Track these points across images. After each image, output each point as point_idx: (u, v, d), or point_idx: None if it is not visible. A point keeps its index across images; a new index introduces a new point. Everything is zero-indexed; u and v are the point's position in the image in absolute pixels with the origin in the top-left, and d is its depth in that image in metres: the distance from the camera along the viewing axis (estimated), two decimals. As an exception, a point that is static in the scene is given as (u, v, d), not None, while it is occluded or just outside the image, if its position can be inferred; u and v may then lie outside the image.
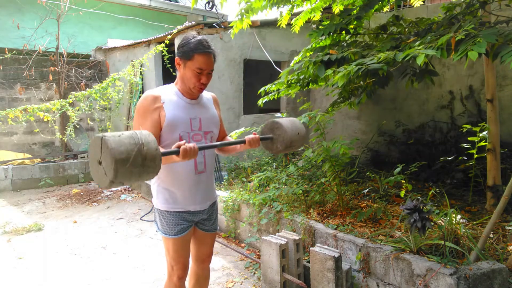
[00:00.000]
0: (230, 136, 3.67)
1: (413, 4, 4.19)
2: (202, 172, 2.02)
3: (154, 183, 2.06)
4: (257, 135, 2.01)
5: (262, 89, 4.08)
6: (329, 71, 3.04)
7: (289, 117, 2.21)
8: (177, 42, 5.96)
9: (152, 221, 4.99)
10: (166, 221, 2.01)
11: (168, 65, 6.46)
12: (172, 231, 2.01)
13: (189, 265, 2.21)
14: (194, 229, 2.15)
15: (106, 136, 1.39)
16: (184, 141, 1.66)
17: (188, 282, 2.33)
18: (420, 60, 2.14)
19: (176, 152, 1.62)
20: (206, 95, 2.14)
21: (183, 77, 1.94)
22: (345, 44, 3.80)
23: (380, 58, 2.51)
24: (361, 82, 3.98)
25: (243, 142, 1.97)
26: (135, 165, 1.40)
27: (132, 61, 7.05)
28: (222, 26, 5.70)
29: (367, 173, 4.25)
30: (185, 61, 1.90)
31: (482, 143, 3.28)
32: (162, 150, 1.58)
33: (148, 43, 6.80)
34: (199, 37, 1.92)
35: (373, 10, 3.73)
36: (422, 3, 4.15)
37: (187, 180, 1.98)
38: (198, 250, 2.23)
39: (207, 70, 1.90)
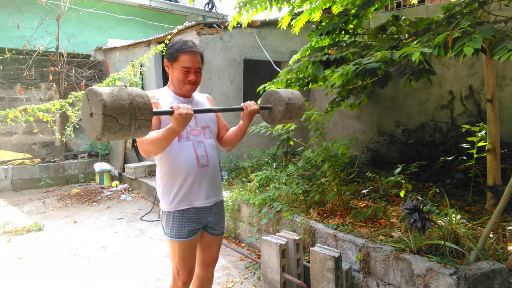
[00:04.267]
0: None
1: (412, 3, 4.18)
2: (205, 166, 2.02)
3: (158, 186, 2.06)
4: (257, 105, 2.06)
5: (261, 87, 4.08)
6: (328, 71, 3.04)
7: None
8: (177, 42, 5.95)
9: (152, 221, 5.00)
10: (173, 223, 2.00)
11: (168, 65, 6.46)
12: (180, 233, 1.99)
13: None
14: (202, 234, 2.14)
15: (97, 89, 1.40)
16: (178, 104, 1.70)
17: (192, 284, 2.32)
18: (415, 57, 2.15)
19: (170, 112, 1.63)
20: (199, 96, 2.20)
21: (172, 78, 2.03)
22: (344, 44, 3.80)
23: (377, 57, 2.52)
24: (360, 82, 3.97)
25: (241, 109, 2.01)
26: (126, 114, 1.41)
27: (132, 61, 7.04)
28: (222, 26, 5.70)
29: (367, 173, 4.24)
30: (172, 63, 1.99)
31: (482, 143, 3.28)
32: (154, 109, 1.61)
33: (148, 43, 6.80)
34: (184, 39, 2.01)
35: (372, 9, 3.73)
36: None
37: (191, 174, 1.98)
38: (205, 255, 2.21)
39: (193, 68, 1.97)
